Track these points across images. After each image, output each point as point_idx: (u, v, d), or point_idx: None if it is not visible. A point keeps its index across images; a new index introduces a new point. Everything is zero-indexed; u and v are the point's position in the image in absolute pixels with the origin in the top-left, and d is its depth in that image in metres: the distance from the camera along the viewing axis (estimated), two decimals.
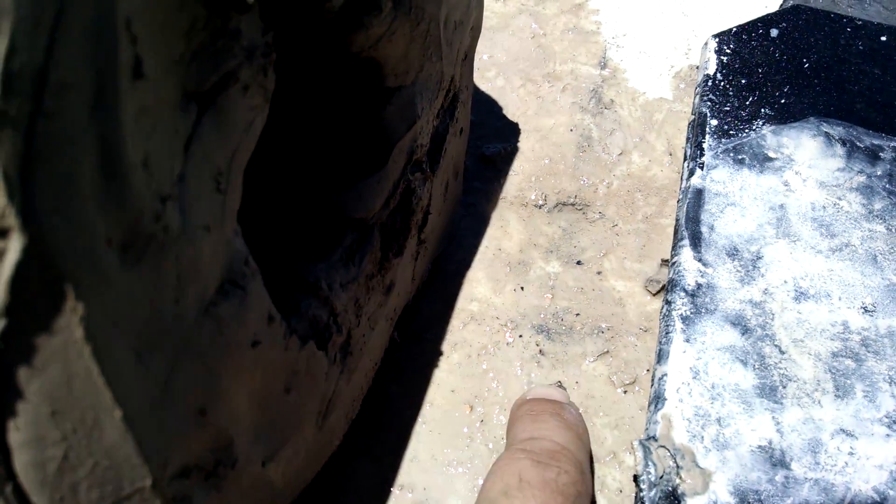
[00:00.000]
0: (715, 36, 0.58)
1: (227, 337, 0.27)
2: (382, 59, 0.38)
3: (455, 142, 0.51)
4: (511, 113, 0.61)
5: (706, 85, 0.54)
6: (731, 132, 0.52)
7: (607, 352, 0.49)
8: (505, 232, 0.55)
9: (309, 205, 0.40)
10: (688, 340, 0.42)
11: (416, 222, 0.46)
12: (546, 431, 0.38)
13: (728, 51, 0.57)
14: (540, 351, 0.50)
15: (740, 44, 0.57)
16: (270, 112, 0.29)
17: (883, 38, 0.60)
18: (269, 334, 0.30)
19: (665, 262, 0.53)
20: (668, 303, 0.44)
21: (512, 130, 0.60)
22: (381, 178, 0.41)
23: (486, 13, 0.68)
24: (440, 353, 0.50)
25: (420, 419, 0.47)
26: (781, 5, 0.66)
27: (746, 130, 0.52)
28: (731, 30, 0.58)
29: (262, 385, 0.31)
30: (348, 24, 0.34)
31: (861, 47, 0.59)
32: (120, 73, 0.20)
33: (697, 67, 0.61)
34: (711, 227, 0.47)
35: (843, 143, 0.51)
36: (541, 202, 0.57)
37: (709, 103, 0.53)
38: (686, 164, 0.51)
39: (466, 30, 0.48)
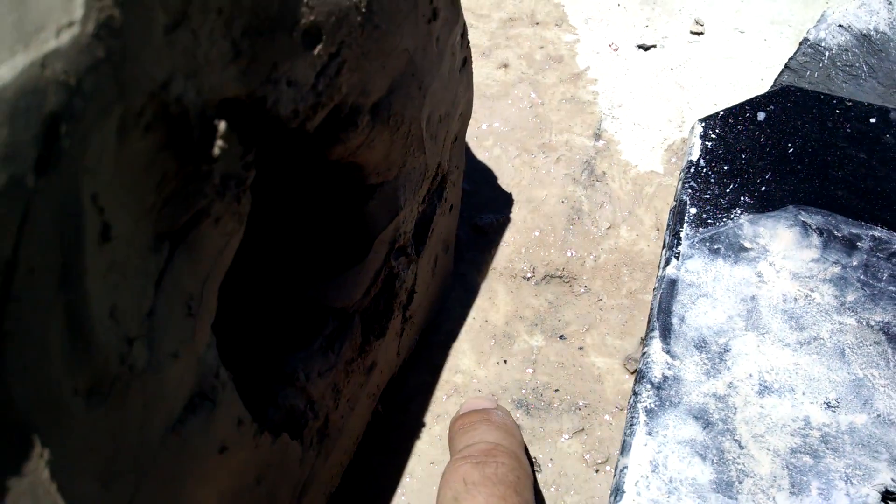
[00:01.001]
0: (701, 120, 0.59)
1: (193, 449, 0.30)
2: (363, 163, 0.40)
3: (444, 220, 0.53)
4: (505, 183, 0.64)
5: (689, 171, 0.56)
6: (709, 221, 0.53)
7: (583, 430, 0.51)
8: (493, 303, 0.58)
9: (290, 295, 0.43)
10: (650, 433, 0.44)
11: (401, 303, 0.49)
12: (478, 436, 0.44)
13: (713, 136, 0.58)
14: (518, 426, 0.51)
15: (726, 128, 0.59)
16: (250, 212, 0.31)
17: (872, 120, 0.61)
18: (237, 438, 0.32)
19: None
20: (634, 394, 0.46)
21: (505, 201, 0.63)
22: (362, 269, 0.43)
23: (487, 81, 0.70)
24: (423, 425, 0.52)
25: (399, 490, 0.49)
26: (774, 82, 0.67)
27: (724, 219, 0.53)
28: (717, 114, 0.60)
29: (231, 484, 0.33)
30: (326, 139, 0.36)
31: (849, 130, 0.60)
32: (87, 242, 0.23)
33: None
34: (682, 319, 0.48)
35: (820, 233, 0.52)
36: (529, 274, 0.59)
37: (689, 191, 0.55)
38: (663, 252, 0.53)
39: (454, 119, 0.50)
